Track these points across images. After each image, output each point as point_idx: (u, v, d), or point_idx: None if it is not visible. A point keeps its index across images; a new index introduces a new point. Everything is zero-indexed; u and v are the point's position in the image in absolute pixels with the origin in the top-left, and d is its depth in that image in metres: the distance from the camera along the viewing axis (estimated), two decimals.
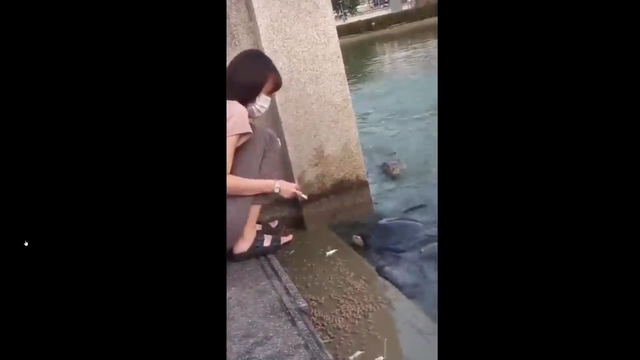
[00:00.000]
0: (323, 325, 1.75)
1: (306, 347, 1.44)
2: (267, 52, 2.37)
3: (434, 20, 21.99)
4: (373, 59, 14.41)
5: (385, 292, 1.92)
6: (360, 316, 1.77)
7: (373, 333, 1.66)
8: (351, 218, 2.67)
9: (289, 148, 2.53)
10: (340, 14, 31.80)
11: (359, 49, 17.64)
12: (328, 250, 2.30)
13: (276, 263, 2.09)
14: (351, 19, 24.87)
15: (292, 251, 2.36)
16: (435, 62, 9.08)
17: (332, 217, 2.66)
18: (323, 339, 1.60)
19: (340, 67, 2.52)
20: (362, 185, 2.70)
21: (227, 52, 2.29)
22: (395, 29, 22.70)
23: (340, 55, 2.51)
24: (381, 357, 1.52)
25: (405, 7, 25.34)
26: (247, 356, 1.44)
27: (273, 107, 2.47)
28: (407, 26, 22.75)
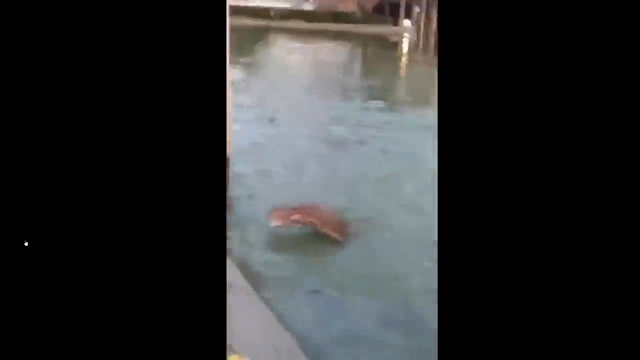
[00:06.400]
0: None
1: None
2: None
3: (331, 25, 22.70)
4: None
5: None
6: None
7: None
8: None
9: None
10: None
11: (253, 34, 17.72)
12: None
13: None
14: (252, 2, 24.60)
15: None
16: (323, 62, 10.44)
17: None
18: None
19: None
20: None
21: None
22: (293, 24, 22.89)
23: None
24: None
25: (306, 7, 25.59)
26: None
27: None
28: (305, 25, 23.03)
